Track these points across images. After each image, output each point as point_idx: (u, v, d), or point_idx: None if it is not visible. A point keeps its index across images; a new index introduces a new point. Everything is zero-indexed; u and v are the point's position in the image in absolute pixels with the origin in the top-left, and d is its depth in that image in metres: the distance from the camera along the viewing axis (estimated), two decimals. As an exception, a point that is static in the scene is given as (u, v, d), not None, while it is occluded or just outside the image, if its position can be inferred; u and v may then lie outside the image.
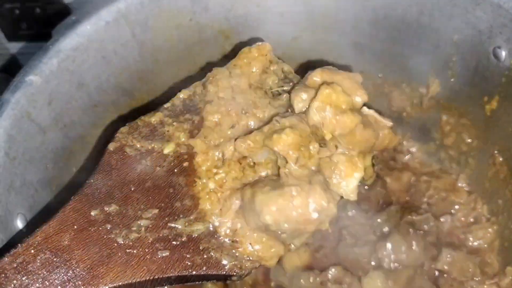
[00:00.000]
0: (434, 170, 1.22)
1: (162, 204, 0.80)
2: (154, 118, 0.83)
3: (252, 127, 0.86)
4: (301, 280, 1.02)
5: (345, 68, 1.00)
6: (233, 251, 0.80)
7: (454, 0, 0.98)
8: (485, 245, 1.10)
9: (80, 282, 0.72)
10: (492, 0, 0.92)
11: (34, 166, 0.92)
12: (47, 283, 0.70)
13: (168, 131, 0.83)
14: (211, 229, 0.81)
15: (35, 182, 0.92)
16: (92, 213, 0.76)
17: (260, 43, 0.96)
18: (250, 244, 0.80)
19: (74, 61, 0.97)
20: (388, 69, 1.19)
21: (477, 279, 1.05)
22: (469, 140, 1.12)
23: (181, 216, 0.80)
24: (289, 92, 0.91)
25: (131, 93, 1.10)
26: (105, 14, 1.00)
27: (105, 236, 0.75)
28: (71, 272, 0.72)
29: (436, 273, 1.06)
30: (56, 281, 0.71)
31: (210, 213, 0.81)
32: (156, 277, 0.76)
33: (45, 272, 0.71)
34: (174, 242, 0.79)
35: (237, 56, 0.93)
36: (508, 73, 0.95)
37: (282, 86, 0.92)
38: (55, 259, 0.72)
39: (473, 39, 0.98)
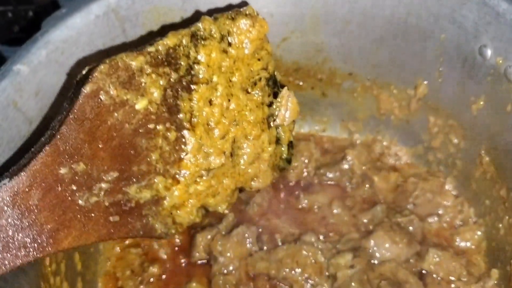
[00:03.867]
0: (421, 172, 1.22)
1: (122, 167, 0.79)
2: (136, 61, 0.79)
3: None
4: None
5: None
6: (167, 219, 0.86)
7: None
8: (473, 247, 1.10)
9: (42, 245, 0.70)
10: (478, -1, 0.94)
11: (18, 155, 0.91)
12: (11, 245, 0.68)
13: (145, 83, 0.81)
14: (156, 198, 0.83)
15: (19, 172, 0.91)
16: (61, 171, 0.73)
17: (259, 16, 0.93)
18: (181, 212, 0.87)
19: (63, 53, 0.97)
20: (377, 71, 1.20)
21: (464, 279, 1.04)
22: (456, 141, 1.13)
23: (135, 181, 0.81)
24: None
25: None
26: (95, 8, 1.00)
27: (69, 198, 0.74)
28: (35, 233, 0.70)
29: (424, 271, 1.05)
30: (19, 242, 0.69)
31: (162, 183, 0.83)
32: (102, 240, 0.77)
33: (10, 233, 0.69)
34: (124, 208, 0.80)
35: (235, 26, 0.90)
36: (493, 72, 0.96)
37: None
38: (23, 220, 0.70)
39: (460, 38, 1.00)
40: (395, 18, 1.08)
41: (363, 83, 1.24)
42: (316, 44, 1.21)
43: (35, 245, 0.70)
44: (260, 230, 1.14)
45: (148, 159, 0.82)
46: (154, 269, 1.13)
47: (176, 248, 1.17)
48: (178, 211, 0.87)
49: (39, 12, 1.68)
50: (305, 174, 1.25)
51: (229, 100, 0.91)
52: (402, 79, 1.17)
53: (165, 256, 1.16)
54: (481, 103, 1.02)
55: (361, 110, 1.29)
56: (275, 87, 0.96)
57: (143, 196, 0.82)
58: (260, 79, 0.94)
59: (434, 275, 1.05)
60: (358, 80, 1.24)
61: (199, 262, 1.13)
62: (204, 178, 0.89)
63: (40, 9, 1.68)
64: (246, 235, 1.09)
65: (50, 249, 0.71)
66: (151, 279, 1.12)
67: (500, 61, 0.94)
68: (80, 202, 0.75)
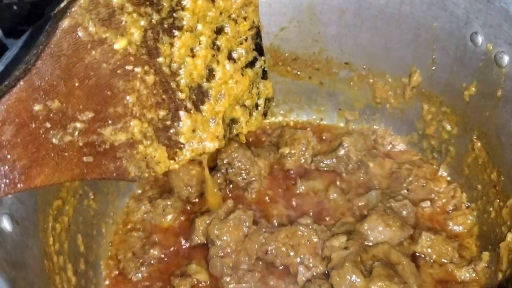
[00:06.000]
0: (416, 159, 1.25)
1: (98, 107, 0.79)
2: None
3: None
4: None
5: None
6: (141, 163, 0.87)
7: (433, -13, 1.03)
8: (465, 231, 1.13)
9: (14, 181, 0.70)
10: (468, -14, 0.97)
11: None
12: None
13: (125, 22, 0.79)
14: (131, 141, 0.85)
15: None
16: (36, 108, 0.72)
17: None
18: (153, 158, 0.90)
19: (66, 40, 1.00)
20: (372, 60, 1.23)
21: (456, 262, 1.07)
22: (449, 128, 1.16)
23: (110, 123, 0.81)
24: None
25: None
26: (98, -4, 1.03)
27: (43, 136, 0.73)
28: (7, 169, 0.70)
29: (417, 254, 1.08)
30: None
31: (138, 127, 0.85)
32: (74, 179, 0.78)
33: None
34: (99, 149, 0.81)
35: None
36: (484, 58, 0.98)
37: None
38: None
39: (452, 26, 1.02)
40: (389, 7, 1.11)
41: (359, 72, 1.26)
42: (313, 34, 1.23)
43: (7, 180, 0.70)
44: (257, 214, 1.17)
45: (125, 101, 0.82)
46: (155, 252, 1.15)
47: (179, 232, 1.20)
48: (158, 164, 0.90)
49: (43, 5, 1.71)
50: (303, 161, 1.28)
51: (217, 63, 0.93)
52: (397, 68, 1.19)
53: (165, 240, 1.19)
54: (473, 89, 1.05)
55: (357, 99, 1.31)
56: (257, 38, 0.98)
57: (118, 139, 0.83)
58: (246, 39, 0.95)
59: (427, 258, 1.08)
60: (354, 69, 1.26)
61: (199, 244, 1.16)
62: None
63: (44, 2, 1.71)
64: (243, 218, 1.12)
65: (22, 185, 0.71)
66: (152, 261, 1.14)
67: (491, 47, 0.96)
68: (54, 140, 0.74)
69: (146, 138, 0.88)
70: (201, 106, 0.93)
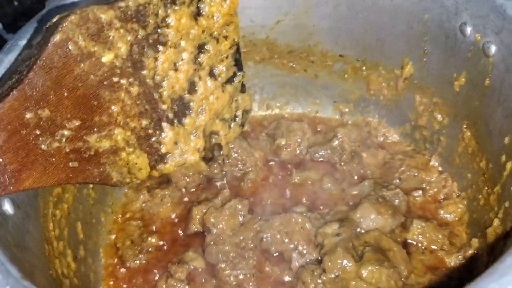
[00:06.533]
0: (408, 150, 1.28)
1: (85, 116, 0.84)
2: (106, 15, 0.83)
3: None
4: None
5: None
6: (123, 169, 0.93)
7: (424, -20, 1.05)
8: (456, 219, 1.15)
9: (4, 184, 0.75)
10: (457, -23, 0.99)
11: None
12: None
13: (113, 37, 0.85)
14: (114, 148, 0.90)
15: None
16: (27, 116, 0.77)
17: None
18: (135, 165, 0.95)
19: (66, 31, 1.03)
20: (366, 53, 1.26)
21: (446, 249, 1.09)
22: (440, 118, 1.18)
23: (96, 130, 0.86)
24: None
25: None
26: (97, -11, 1.06)
27: (33, 142, 0.78)
28: None
29: (408, 241, 1.11)
30: None
31: (121, 135, 0.90)
32: (60, 183, 0.82)
33: None
34: (84, 155, 0.86)
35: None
36: (473, 48, 1.01)
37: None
38: None
39: (442, 17, 1.05)
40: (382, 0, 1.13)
41: (353, 64, 1.29)
42: (308, 27, 1.26)
43: None
44: (252, 203, 1.20)
45: (110, 110, 0.87)
46: (153, 240, 1.18)
47: (176, 221, 1.22)
48: (139, 170, 0.95)
49: (44, 0, 1.74)
50: (298, 152, 1.30)
51: (199, 78, 0.98)
52: (390, 59, 1.22)
53: (163, 228, 1.21)
54: (463, 79, 1.07)
55: (352, 91, 1.34)
56: (237, 53, 1.03)
57: (102, 146, 0.88)
58: (227, 57, 1.00)
59: (418, 245, 1.10)
60: (348, 62, 1.29)
61: (195, 232, 1.18)
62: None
63: (44, -3, 1.74)
64: (239, 207, 1.15)
65: (11, 188, 0.76)
66: (150, 249, 1.17)
67: (479, 37, 0.99)
68: (42, 146, 0.79)
69: (129, 146, 0.93)
70: (183, 119, 0.99)
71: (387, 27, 1.16)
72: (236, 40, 1.01)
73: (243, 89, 1.10)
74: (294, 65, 1.35)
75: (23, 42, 0.97)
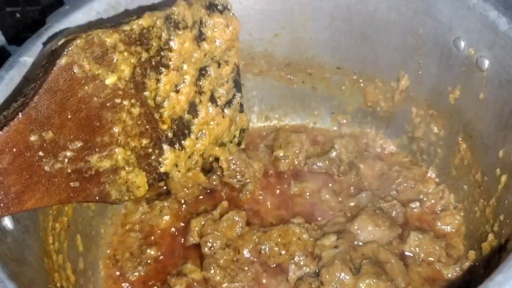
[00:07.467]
0: (405, 161, 1.28)
1: (87, 137, 0.85)
2: (110, 39, 0.84)
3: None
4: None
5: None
6: (122, 187, 0.94)
7: (418, -5, 1.06)
8: (453, 230, 1.16)
9: (7, 205, 0.76)
10: (451, -8, 1.00)
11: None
12: None
13: (117, 60, 0.86)
14: (114, 167, 0.91)
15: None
16: (31, 138, 0.78)
17: (233, 16, 1.01)
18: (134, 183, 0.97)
19: (66, 47, 1.04)
20: (362, 65, 1.27)
21: (443, 261, 1.10)
22: (437, 130, 1.19)
23: (97, 151, 0.87)
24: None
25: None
26: (96, 5, 1.07)
27: (36, 164, 0.79)
28: (2, 194, 0.75)
29: (406, 253, 1.11)
30: None
31: (121, 154, 0.91)
32: (61, 203, 0.83)
33: None
34: (85, 175, 0.87)
35: (211, 19, 0.98)
36: (467, 62, 1.02)
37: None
38: None
39: (437, 31, 1.06)
40: (377, 13, 1.14)
41: (351, 76, 1.30)
42: (306, 40, 1.27)
43: (1, 204, 0.75)
44: (251, 215, 1.21)
45: (112, 131, 0.88)
46: (151, 252, 1.19)
47: (175, 233, 1.23)
48: (138, 189, 0.97)
49: (45, 12, 1.75)
50: (296, 163, 1.31)
51: (200, 102, 1.01)
52: (386, 72, 1.23)
53: (162, 240, 1.22)
54: (457, 92, 1.08)
55: (349, 103, 1.35)
56: (236, 75, 1.05)
57: (103, 165, 0.89)
58: (227, 81, 1.01)
59: (416, 257, 1.11)
60: (346, 74, 1.30)
61: (194, 244, 1.19)
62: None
63: (46, 9, 1.75)
64: (236, 219, 1.15)
65: (14, 209, 0.77)
66: (149, 261, 1.18)
67: (472, 52, 1.00)
68: (45, 167, 0.80)
69: (129, 165, 0.94)
70: (183, 142, 1.01)
71: (383, 40, 1.17)
72: (236, 63, 1.03)
73: (241, 109, 1.11)
74: (292, 77, 1.36)
75: (24, 58, 0.97)
